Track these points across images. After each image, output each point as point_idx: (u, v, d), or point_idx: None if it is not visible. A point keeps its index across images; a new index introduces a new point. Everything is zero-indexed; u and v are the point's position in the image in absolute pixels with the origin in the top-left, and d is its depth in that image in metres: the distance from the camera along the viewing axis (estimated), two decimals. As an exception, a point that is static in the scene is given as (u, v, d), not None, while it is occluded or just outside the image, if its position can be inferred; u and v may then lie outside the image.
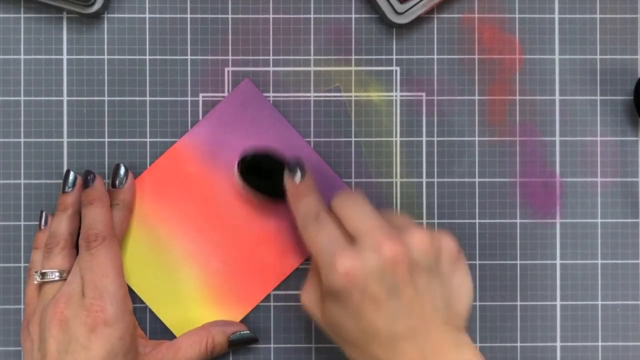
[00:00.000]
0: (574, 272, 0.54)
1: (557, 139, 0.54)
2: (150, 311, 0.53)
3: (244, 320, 0.53)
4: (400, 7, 0.52)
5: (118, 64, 0.53)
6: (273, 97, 0.53)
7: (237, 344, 0.52)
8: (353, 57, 0.54)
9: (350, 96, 0.53)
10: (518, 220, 0.54)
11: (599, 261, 0.54)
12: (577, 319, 0.53)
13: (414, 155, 0.53)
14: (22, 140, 0.53)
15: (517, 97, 0.54)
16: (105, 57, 0.53)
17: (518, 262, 0.54)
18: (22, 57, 0.53)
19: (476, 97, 0.54)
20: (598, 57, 0.54)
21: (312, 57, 0.53)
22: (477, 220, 0.53)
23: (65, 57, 0.53)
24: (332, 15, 0.53)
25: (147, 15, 0.53)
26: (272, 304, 0.53)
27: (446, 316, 0.45)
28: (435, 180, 0.53)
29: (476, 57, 0.54)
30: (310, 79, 0.53)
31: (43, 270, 0.49)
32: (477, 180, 0.54)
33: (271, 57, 0.53)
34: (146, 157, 0.53)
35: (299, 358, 0.53)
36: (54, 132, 0.53)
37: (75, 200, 0.51)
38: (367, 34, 0.54)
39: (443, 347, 0.44)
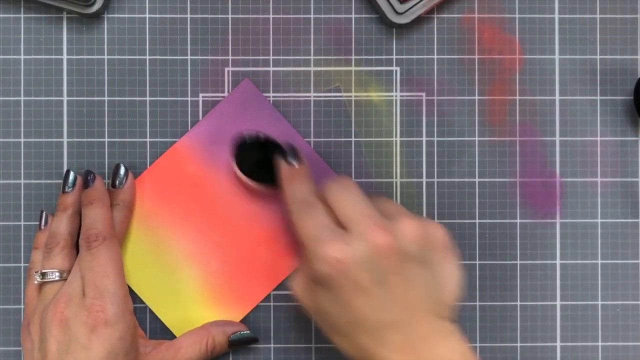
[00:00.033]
0: (574, 272, 0.54)
1: (557, 139, 0.54)
2: (150, 311, 0.53)
3: (244, 320, 0.53)
4: (400, 7, 0.52)
5: (118, 64, 0.53)
6: (273, 97, 0.53)
7: (237, 344, 0.52)
8: (353, 57, 0.54)
9: (350, 96, 0.53)
10: (518, 220, 0.54)
11: (599, 261, 0.54)
12: (577, 319, 0.53)
13: (414, 155, 0.53)
14: (22, 140, 0.53)
15: (517, 97, 0.54)
16: (105, 57, 0.53)
17: (518, 262, 0.54)
18: (22, 57, 0.53)
19: (476, 97, 0.54)
20: (598, 57, 0.54)
21: (312, 57, 0.53)
22: (477, 220, 0.53)
23: (65, 57, 0.53)
24: (332, 15, 0.53)
25: (147, 15, 0.53)
26: (272, 304, 0.53)
27: (434, 306, 0.45)
28: (435, 180, 0.53)
29: (476, 57, 0.54)
30: (310, 79, 0.53)
31: (43, 270, 0.49)
32: (477, 180, 0.54)
33: (271, 57, 0.53)
34: (146, 157, 0.53)
35: (299, 358, 0.53)
36: (54, 132, 0.53)
37: (75, 200, 0.51)
38: (367, 34, 0.54)
39: (430, 336, 0.44)
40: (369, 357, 0.44)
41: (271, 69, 0.53)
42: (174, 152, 0.53)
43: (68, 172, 0.51)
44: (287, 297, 0.53)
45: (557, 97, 0.54)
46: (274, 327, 0.53)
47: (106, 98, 0.53)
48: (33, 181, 0.53)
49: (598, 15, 0.54)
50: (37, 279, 0.49)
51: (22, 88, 0.53)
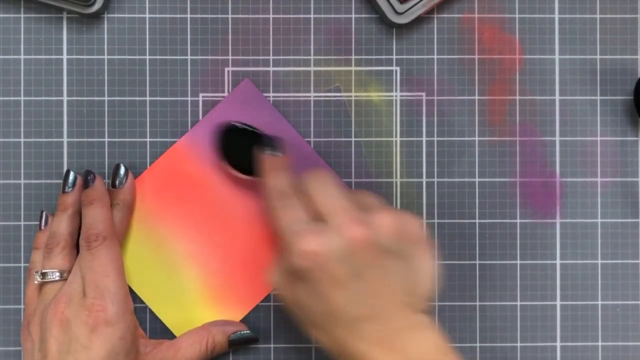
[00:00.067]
0: (574, 272, 0.54)
1: (557, 139, 0.54)
2: (150, 311, 0.53)
3: (244, 320, 0.53)
4: (400, 7, 0.52)
5: (118, 64, 0.53)
6: (273, 97, 0.53)
7: (237, 344, 0.52)
8: (353, 57, 0.54)
9: (350, 96, 0.53)
10: (518, 220, 0.54)
11: (599, 261, 0.54)
12: (577, 319, 0.53)
13: (414, 155, 0.53)
14: (22, 140, 0.53)
15: (517, 97, 0.54)
16: (105, 57, 0.53)
17: (518, 262, 0.54)
18: (22, 57, 0.53)
19: (476, 97, 0.54)
20: (598, 57, 0.54)
21: (312, 57, 0.53)
22: (477, 220, 0.53)
23: (65, 57, 0.53)
24: (332, 15, 0.53)
25: (147, 15, 0.53)
26: (272, 304, 0.53)
27: (410, 298, 0.45)
28: (435, 180, 0.54)
29: (476, 57, 0.54)
30: (310, 79, 0.53)
31: (43, 271, 0.49)
32: (477, 180, 0.54)
33: (271, 57, 0.53)
34: (146, 157, 0.53)
35: (299, 358, 0.53)
36: (54, 132, 0.53)
37: (75, 200, 0.51)
38: (367, 34, 0.54)
39: (405, 329, 0.44)
40: (345, 349, 0.44)
41: (271, 69, 0.53)
42: (174, 152, 0.53)
43: (68, 172, 0.51)
44: (287, 297, 0.53)
45: (557, 97, 0.54)
46: (274, 327, 0.53)
47: (106, 98, 0.53)
48: (33, 181, 0.53)
49: (598, 15, 0.54)
50: (38, 279, 0.49)
51: (22, 88, 0.53)
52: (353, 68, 0.53)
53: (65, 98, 0.53)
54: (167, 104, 0.53)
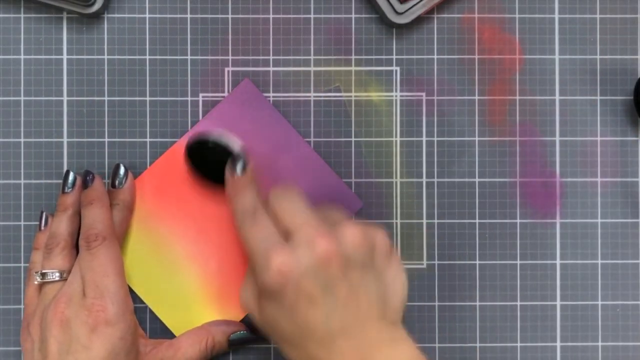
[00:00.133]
0: (574, 272, 0.54)
1: (557, 139, 0.54)
2: (150, 311, 0.53)
3: (244, 321, 0.53)
4: (400, 7, 0.52)
5: (118, 64, 0.53)
6: (273, 97, 0.53)
7: (237, 344, 0.52)
8: (353, 57, 0.54)
9: (350, 96, 0.53)
10: (518, 220, 0.54)
11: (599, 261, 0.54)
12: (577, 319, 0.53)
13: (414, 155, 0.53)
14: (22, 140, 0.53)
15: (517, 97, 0.54)
16: (105, 57, 0.53)
17: (518, 262, 0.54)
18: (22, 57, 0.53)
19: (476, 97, 0.54)
20: (598, 57, 0.54)
21: (312, 57, 0.53)
22: (477, 220, 0.53)
23: (65, 57, 0.53)
24: (332, 15, 0.53)
25: (147, 15, 0.53)
26: (272, 304, 0.53)
27: (382, 311, 0.45)
28: (435, 180, 0.54)
29: (476, 57, 0.54)
30: (310, 79, 0.53)
31: (43, 271, 0.49)
32: (477, 180, 0.54)
33: (271, 57, 0.53)
34: (146, 157, 0.53)
35: (299, 358, 0.53)
36: (54, 132, 0.53)
37: (75, 201, 0.51)
38: (367, 34, 0.54)
39: (379, 343, 0.44)
40: None
41: (271, 69, 0.53)
42: (174, 152, 0.53)
43: (68, 172, 0.51)
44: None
45: (557, 97, 0.54)
46: (274, 327, 0.53)
47: (106, 98, 0.53)
48: (33, 181, 0.53)
49: (598, 15, 0.54)
50: (37, 279, 0.49)
51: (22, 88, 0.53)
52: (353, 68, 0.54)
53: (65, 98, 0.53)
54: (167, 104, 0.53)
